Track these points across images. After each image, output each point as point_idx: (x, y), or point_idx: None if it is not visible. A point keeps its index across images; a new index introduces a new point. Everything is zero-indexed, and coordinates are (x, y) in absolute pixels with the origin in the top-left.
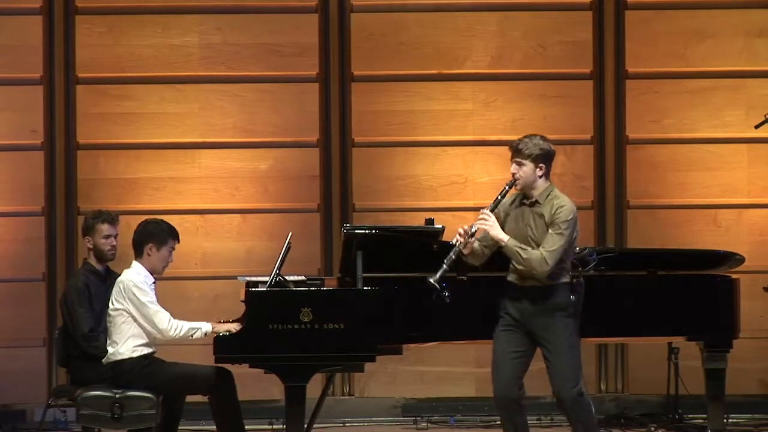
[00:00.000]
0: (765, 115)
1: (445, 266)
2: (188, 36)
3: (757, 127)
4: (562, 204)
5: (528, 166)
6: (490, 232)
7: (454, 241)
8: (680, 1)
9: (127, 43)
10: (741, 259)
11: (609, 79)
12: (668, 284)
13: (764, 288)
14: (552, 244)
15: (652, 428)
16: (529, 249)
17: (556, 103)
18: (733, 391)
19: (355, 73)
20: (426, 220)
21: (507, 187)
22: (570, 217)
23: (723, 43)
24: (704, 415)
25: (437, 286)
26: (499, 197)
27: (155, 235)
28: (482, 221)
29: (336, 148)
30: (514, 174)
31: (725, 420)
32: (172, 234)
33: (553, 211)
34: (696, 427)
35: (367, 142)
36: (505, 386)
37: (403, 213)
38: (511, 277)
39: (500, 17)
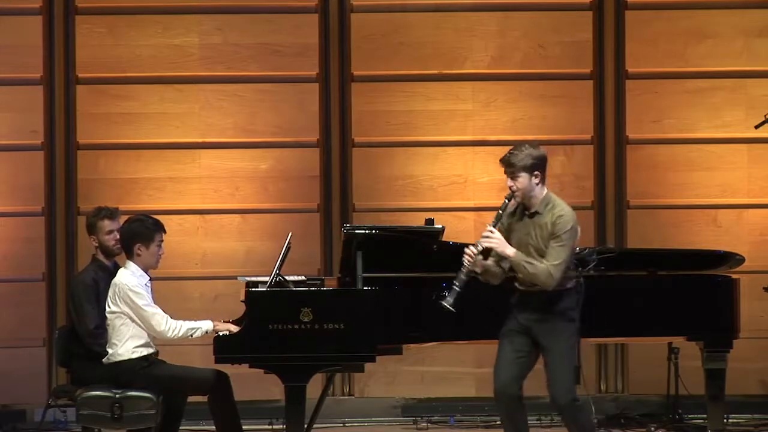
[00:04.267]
0: (765, 115)
1: (457, 289)
2: (188, 36)
3: (757, 127)
4: (561, 213)
5: (523, 177)
6: (495, 249)
7: (464, 262)
8: (680, 1)
9: (127, 43)
10: (741, 259)
11: (609, 79)
12: (668, 284)
13: (764, 288)
14: (556, 258)
15: (652, 428)
16: (536, 263)
17: (556, 103)
18: (733, 391)
19: (355, 73)
20: (426, 220)
21: (507, 201)
22: (570, 227)
23: (723, 43)
24: (704, 415)
25: (453, 310)
26: (500, 212)
27: (141, 235)
28: (486, 239)
29: (336, 148)
30: (510, 187)
31: (725, 420)
32: (157, 228)
33: (553, 221)
34: (696, 427)
35: (367, 142)
36: (504, 383)
37: (403, 213)
38: (517, 283)
39: (500, 17)
